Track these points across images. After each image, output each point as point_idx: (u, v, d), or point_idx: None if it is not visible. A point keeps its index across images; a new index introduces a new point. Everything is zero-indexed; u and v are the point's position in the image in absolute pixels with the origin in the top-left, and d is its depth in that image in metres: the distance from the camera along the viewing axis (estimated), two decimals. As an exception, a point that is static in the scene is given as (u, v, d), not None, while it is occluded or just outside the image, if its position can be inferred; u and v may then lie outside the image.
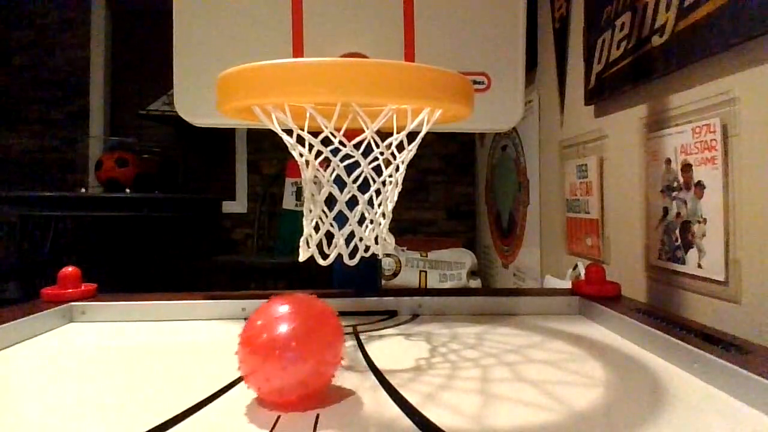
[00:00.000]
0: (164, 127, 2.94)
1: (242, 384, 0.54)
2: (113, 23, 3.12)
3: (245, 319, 0.83)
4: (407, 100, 0.53)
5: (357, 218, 0.60)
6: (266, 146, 3.00)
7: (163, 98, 2.72)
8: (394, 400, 0.49)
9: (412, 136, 0.61)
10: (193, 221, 3.00)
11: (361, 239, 0.62)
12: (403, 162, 0.61)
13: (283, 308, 0.48)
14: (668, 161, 0.96)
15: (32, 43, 2.99)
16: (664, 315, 0.74)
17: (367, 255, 0.62)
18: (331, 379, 0.50)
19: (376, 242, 0.62)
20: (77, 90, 3.00)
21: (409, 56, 0.87)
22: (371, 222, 0.62)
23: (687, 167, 0.91)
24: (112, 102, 3.10)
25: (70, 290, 0.87)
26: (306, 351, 0.46)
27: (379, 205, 0.62)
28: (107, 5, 3.05)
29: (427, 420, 0.45)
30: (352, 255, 0.61)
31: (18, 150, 2.98)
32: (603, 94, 1.21)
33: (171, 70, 0.92)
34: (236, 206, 3.00)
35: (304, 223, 0.60)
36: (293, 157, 0.59)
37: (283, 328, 0.46)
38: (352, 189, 0.58)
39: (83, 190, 2.61)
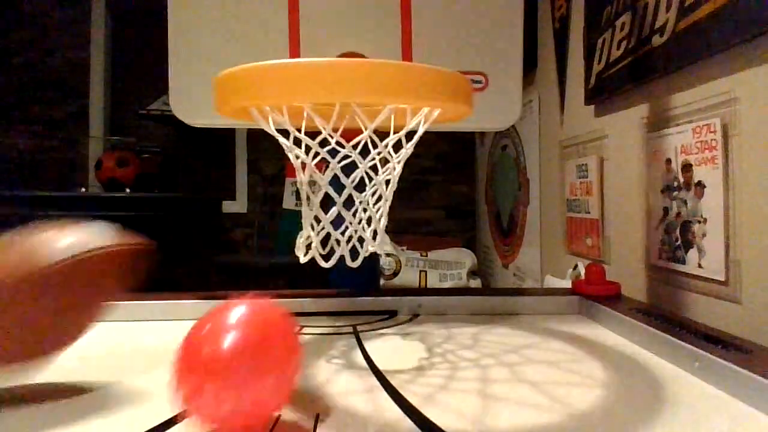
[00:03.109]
0: (164, 127, 2.94)
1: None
2: (113, 23, 3.12)
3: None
4: (406, 100, 0.53)
5: (356, 218, 0.60)
6: (266, 146, 3.00)
7: (163, 98, 2.72)
8: (395, 401, 0.49)
9: (409, 135, 0.60)
10: (193, 221, 2.99)
11: (360, 239, 0.61)
12: (399, 161, 0.61)
13: (232, 317, 0.40)
14: (668, 161, 0.96)
15: (32, 43, 2.99)
16: (664, 315, 0.74)
17: (367, 255, 0.62)
18: (276, 411, 0.42)
19: (374, 240, 0.62)
20: (77, 90, 3.00)
21: (407, 56, 0.87)
22: (369, 221, 0.62)
23: (687, 167, 0.90)
24: (112, 102, 3.10)
25: (70, 290, 0.87)
26: (254, 373, 0.37)
27: (376, 204, 0.62)
28: (107, 5, 3.05)
29: (428, 420, 0.45)
30: (353, 256, 0.61)
31: (18, 150, 2.98)
32: (603, 93, 1.21)
33: (170, 70, 0.92)
34: (236, 206, 3.00)
35: (303, 224, 0.60)
36: (292, 157, 0.59)
37: (225, 344, 0.37)
38: (350, 190, 0.58)
39: (83, 190, 2.61)
